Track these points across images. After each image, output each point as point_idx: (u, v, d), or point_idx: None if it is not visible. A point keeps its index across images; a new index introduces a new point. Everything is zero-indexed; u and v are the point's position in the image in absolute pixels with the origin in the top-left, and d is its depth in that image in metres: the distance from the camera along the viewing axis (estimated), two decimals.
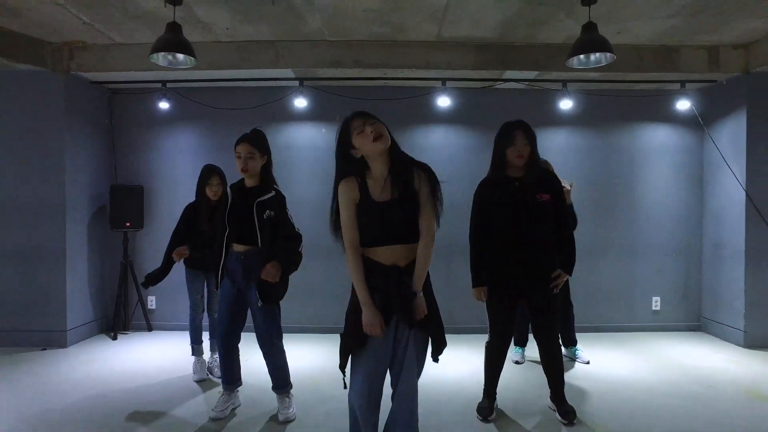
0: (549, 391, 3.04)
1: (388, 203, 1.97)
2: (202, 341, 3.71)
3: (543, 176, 2.88)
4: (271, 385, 3.02)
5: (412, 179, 2.00)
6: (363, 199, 2.00)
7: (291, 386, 3.04)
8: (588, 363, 4.03)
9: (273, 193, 2.91)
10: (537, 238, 2.81)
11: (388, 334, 1.98)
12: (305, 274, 4.70)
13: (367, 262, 2.00)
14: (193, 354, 3.70)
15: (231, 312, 2.94)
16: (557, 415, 2.99)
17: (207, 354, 3.82)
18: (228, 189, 3.01)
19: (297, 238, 2.92)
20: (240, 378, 3.12)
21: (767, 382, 3.65)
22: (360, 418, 2.01)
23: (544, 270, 2.83)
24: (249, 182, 2.94)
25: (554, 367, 2.95)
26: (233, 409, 3.09)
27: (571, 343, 4.11)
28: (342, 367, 2.07)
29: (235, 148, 2.87)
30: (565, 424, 2.91)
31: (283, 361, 2.99)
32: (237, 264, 2.88)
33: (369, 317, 1.94)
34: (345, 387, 2.06)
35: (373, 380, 1.99)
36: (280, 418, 2.94)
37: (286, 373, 3.02)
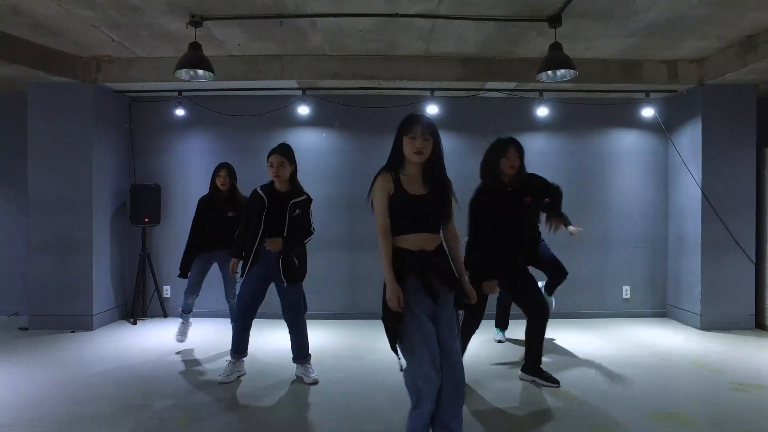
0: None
1: (421, 197, 2.26)
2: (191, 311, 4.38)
3: (526, 182, 3.48)
4: (291, 356, 3.60)
5: (442, 182, 2.32)
6: (397, 191, 2.24)
7: (310, 356, 3.61)
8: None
9: (305, 196, 3.52)
10: (527, 232, 3.49)
11: (431, 313, 2.20)
12: (311, 264, 5.24)
13: (397, 251, 2.24)
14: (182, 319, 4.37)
15: (256, 292, 3.50)
16: (542, 381, 3.45)
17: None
18: (260, 192, 3.51)
19: (309, 232, 3.56)
20: (247, 349, 3.65)
21: (711, 355, 4.18)
22: (428, 398, 2.11)
23: (531, 257, 3.55)
24: (280, 186, 3.50)
25: (538, 339, 3.47)
26: (239, 376, 3.60)
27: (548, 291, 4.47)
28: (393, 348, 2.19)
29: (267, 159, 3.46)
30: (557, 387, 3.39)
31: (306, 334, 3.57)
32: (271, 255, 3.43)
33: (391, 291, 2.15)
34: (401, 369, 2.18)
35: (434, 363, 2.12)
36: (307, 380, 3.50)
37: (307, 345, 3.59)
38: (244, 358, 3.68)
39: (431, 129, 2.25)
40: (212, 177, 4.34)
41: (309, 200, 3.55)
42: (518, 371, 3.66)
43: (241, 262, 3.59)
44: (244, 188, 5.60)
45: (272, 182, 3.53)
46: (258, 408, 3.11)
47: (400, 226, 2.25)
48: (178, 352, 4.26)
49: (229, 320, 4.34)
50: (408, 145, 2.23)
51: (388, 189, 2.26)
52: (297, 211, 3.45)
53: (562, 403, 3.16)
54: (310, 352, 3.63)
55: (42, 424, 2.84)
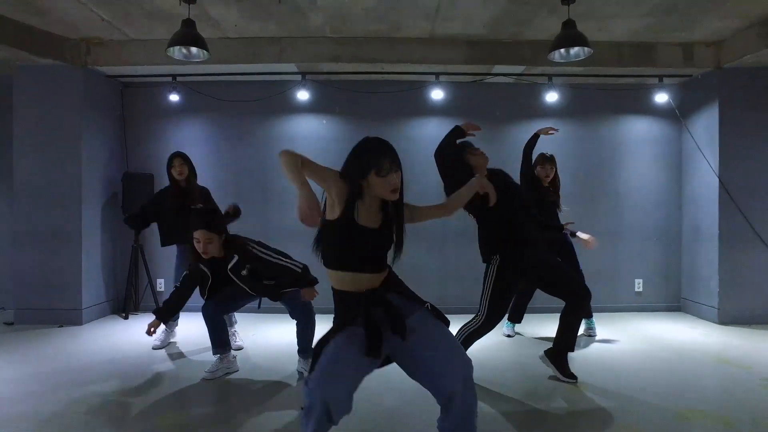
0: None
1: (374, 231, 1.86)
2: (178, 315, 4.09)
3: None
4: (297, 348, 3.38)
5: (399, 213, 1.93)
6: (345, 218, 1.82)
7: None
8: (594, 336, 4.33)
9: (235, 257, 3.15)
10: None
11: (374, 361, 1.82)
12: (308, 256, 5.02)
13: (336, 294, 1.92)
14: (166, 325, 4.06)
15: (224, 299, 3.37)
16: (560, 375, 3.23)
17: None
18: (201, 267, 3.24)
19: (294, 272, 3.18)
20: (229, 344, 3.45)
21: (733, 350, 3.96)
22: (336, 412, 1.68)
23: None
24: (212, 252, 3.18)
25: (577, 320, 3.19)
26: (228, 373, 3.37)
27: (587, 314, 4.31)
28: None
29: (193, 231, 3.13)
30: (574, 383, 3.19)
31: (314, 327, 3.32)
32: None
33: (305, 198, 1.72)
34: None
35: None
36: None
37: (313, 338, 3.35)
38: (233, 353, 3.49)
39: (397, 156, 1.88)
40: (168, 167, 4.05)
41: (242, 255, 3.15)
42: (533, 366, 3.43)
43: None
44: (243, 178, 5.43)
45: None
46: (250, 404, 2.89)
47: (343, 262, 1.87)
48: (169, 344, 4.05)
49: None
50: (380, 185, 1.83)
51: (339, 186, 1.84)
52: (243, 271, 3.17)
53: (582, 402, 2.94)
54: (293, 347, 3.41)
55: (19, 423, 2.62)
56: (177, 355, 3.85)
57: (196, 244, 3.14)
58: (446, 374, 1.79)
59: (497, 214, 3.07)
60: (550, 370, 3.35)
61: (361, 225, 1.85)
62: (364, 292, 1.86)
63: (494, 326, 3.12)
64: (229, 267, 3.19)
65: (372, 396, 2.97)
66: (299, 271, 3.19)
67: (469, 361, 1.85)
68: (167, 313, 3.39)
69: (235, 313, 4.03)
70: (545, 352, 3.35)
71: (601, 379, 3.28)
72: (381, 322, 1.82)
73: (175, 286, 3.46)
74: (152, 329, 3.20)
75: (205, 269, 3.26)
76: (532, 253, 3.11)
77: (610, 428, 2.57)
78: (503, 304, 3.11)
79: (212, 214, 3.25)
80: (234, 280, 3.22)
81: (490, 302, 3.06)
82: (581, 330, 4.10)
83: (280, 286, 3.24)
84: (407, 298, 1.96)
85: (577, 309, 3.15)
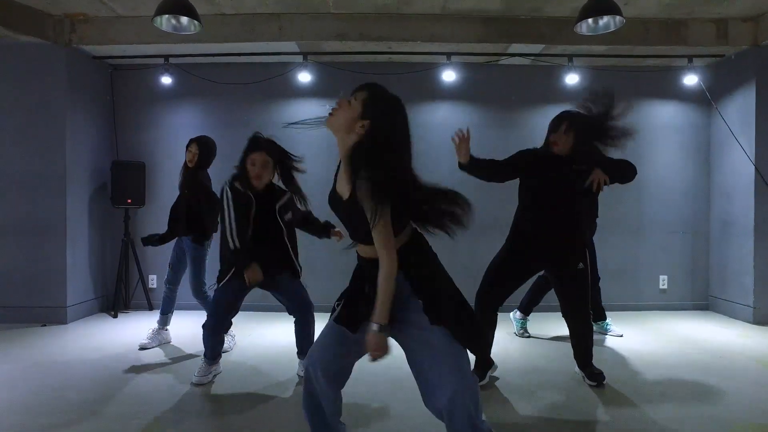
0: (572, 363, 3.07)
1: (344, 200, 1.71)
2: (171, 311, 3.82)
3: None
4: (296, 351, 3.14)
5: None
6: (332, 187, 1.78)
7: None
8: (621, 336, 4.02)
9: (287, 194, 3.04)
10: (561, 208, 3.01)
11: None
12: (310, 252, 4.68)
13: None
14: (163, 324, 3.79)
15: (235, 299, 3.01)
16: (586, 379, 2.97)
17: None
18: (241, 188, 2.94)
19: (309, 212, 3.25)
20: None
21: None
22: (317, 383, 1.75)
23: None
24: (258, 185, 2.96)
25: (584, 342, 2.96)
26: (215, 375, 3.08)
27: (600, 317, 4.05)
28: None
29: (247, 155, 2.93)
30: (594, 386, 2.90)
31: (313, 328, 3.02)
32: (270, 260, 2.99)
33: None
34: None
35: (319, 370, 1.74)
36: None
37: (314, 340, 3.02)
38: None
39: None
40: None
41: (292, 197, 3.07)
42: (554, 369, 3.16)
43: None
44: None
45: (239, 177, 2.94)
46: (245, 410, 2.55)
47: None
48: (160, 345, 3.72)
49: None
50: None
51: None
52: (288, 214, 3.03)
53: (618, 410, 2.59)
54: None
55: None
56: (165, 356, 3.51)
57: (250, 168, 2.89)
58: (439, 387, 1.64)
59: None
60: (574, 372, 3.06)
61: (337, 194, 1.74)
62: (359, 261, 1.83)
63: (479, 296, 2.90)
64: (280, 203, 2.99)
65: (379, 398, 2.63)
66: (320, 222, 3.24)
67: (464, 381, 1.62)
68: (245, 247, 2.89)
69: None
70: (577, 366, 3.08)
71: (634, 385, 2.93)
72: (362, 296, 1.74)
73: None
74: (251, 278, 2.88)
75: (250, 195, 2.94)
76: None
77: None
78: (494, 275, 2.91)
79: (270, 140, 3.02)
80: (279, 225, 2.98)
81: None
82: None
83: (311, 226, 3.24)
84: (425, 306, 1.68)
85: (568, 322, 2.99)
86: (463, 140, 2.77)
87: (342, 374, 1.80)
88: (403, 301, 1.68)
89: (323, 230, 3.24)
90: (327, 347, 1.78)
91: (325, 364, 1.75)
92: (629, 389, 2.88)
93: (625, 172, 3.00)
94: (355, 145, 1.68)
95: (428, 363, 1.67)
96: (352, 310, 1.75)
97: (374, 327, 1.61)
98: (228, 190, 2.94)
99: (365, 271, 1.78)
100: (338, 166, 1.76)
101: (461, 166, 2.84)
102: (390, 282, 1.63)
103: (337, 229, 3.19)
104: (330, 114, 1.72)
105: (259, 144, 2.95)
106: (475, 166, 2.82)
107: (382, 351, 1.63)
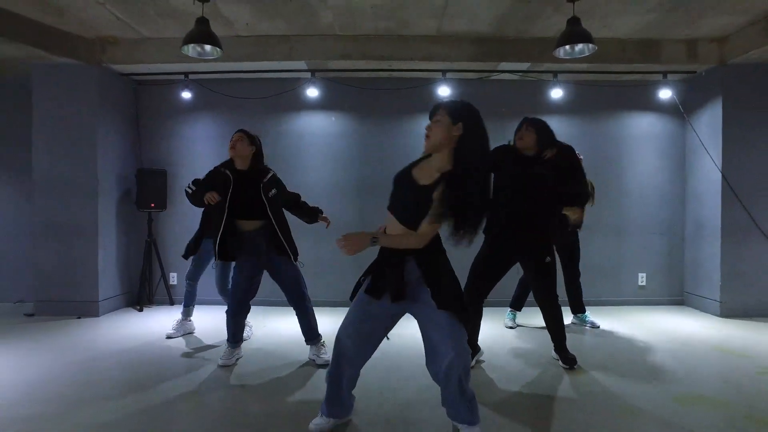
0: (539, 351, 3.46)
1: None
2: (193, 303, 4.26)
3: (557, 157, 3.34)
4: (304, 339, 3.55)
5: None
6: None
7: (321, 337, 3.53)
8: (599, 327, 4.46)
9: (271, 172, 3.46)
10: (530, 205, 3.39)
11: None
12: (317, 250, 5.14)
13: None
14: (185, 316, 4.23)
15: (251, 279, 3.40)
16: (560, 362, 3.41)
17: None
18: (222, 169, 3.42)
19: (298, 195, 3.71)
20: (242, 339, 3.61)
21: (734, 341, 4.05)
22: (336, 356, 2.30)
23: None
24: (241, 165, 3.41)
25: (555, 324, 3.41)
26: (237, 359, 3.53)
27: (580, 310, 4.51)
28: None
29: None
30: (566, 369, 3.34)
31: (313, 313, 3.50)
32: (258, 239, 3.36)
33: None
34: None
35: (347, 331, 2.26)
36: (319, 362, 3.43)
37: (316, 325, 3.52)
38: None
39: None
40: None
41: (276, 176, 3.52)
42: (534, 354, 3.57)
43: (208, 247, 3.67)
44: None
45: (231, 161, 3.45)
46: (263, 387, 3.01)
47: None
48: (184, 335, 4.19)
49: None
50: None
51: None
52: (273, 191, 3.41)
53: (587, 387, 3.04)
54: (323, 340, 3.55)
55: (47, 402, 2.76)
56: (191, 344, 3.97)
57: (230, 148, 3.38)
58: (441, 355, 2.15)
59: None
60: (552, 358, 3.52)
61: (412, 177, 2.19)
62: (381, 252, 2.28)
63: (467, 289, 3.26)
64: (264, 180, 3.38)
65: (388, 389, 3.08)
66: (309, 206, 3.65)
67: (460, 354, 2.11)
68: (197, 197, 3.39)
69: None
70: (554, 350, 3.51)
71: (605, 367, 3.39)
72: (387, 278, 2.20)
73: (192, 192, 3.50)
74: (209, 198, 3.29)
75: (228, 173, 3.37)
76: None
77: (612, 410, 2.67)
78: (478, 269, 3.33)
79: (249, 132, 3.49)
80: (262, 200, 3.33)
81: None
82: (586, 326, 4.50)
83: (300, 210, 3.65)
84: (432, 293, 2.16)
85: (540, 307, 3.43)
86: None
87: (369, 341, 2.28)
88: (414, 283, 2.19)
89: (312, 214, 3.67)
90: (355, 315, 2.25)
91: (352, 329, 2.24)
92: (599, 371, 3.32)
93: (578, 197, 3.47)
94: (458, 141, 2.09)
95: (435, 336, 2.17)
96: (378, 283, 2.21)
97: (370, 236, 2.11)
98: (211, 171, 3.47)
99: (386, 257, 2.23)
100: (423, 157, 2.19)
101: None
102: (403, 244, 2.16)
103: (324, 215, 3.64)
104: (427, 137, 2.13)
105: (239, 130, 3.48)
106: None
107: (354, 245, 2.08)
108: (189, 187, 3.55)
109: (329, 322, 4.66)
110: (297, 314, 3.51)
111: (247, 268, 3.38)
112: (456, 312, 2.15)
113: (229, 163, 3.46)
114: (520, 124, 3.40)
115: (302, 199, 3.74)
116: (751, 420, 2.57)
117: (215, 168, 3.49)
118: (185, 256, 4.13)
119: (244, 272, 3.38)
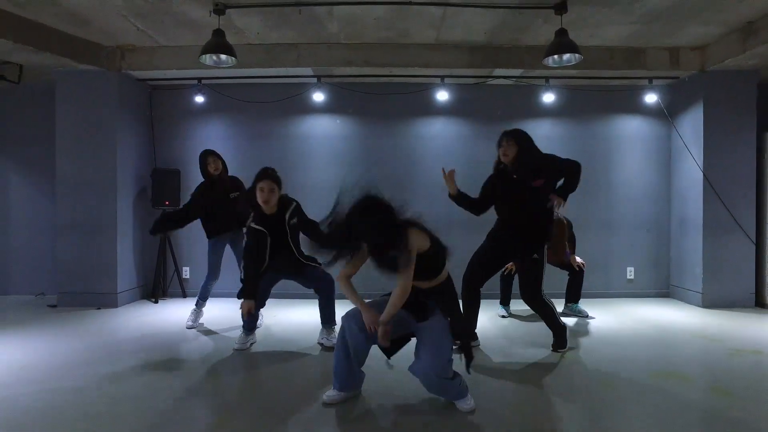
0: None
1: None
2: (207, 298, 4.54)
3: (538, 167, 3.55)
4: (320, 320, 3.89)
5: None
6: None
7: (336, 323, 3.82)
8: (587, 316, 4.76)
9: (294, 203, 3.69)
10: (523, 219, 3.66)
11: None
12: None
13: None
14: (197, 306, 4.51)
15: (268, 284, 3.76)
16: (553, 346, 3.68)
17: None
18: (256, 227, 3.54)
19: (316, 224, 3.72)
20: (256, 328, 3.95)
21: (711, 328, 4.36)
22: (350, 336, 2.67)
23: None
24: (269, 210, 3.59)
25: (548, 321, 3.66)
26: (252, 343, 3.83)
27: (573, 299, 4.84)
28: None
29: (256, 183, 3.56)
30: (556, 352, 3.63)
31: (334, 300, 3.83)
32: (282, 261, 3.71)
33: (365, 315, 2.64)
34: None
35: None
36: (327, 344, 3.74)
37: (335, 311, 3.83)
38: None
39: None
40: (201, 165, 4.38)
41: (298, 204, 3.73)
42: (523, 337, 3.86)
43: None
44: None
45: (258, 208, 3.58)
46: (276, 368, 3.32)
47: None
48: (202, 324, 4.50)
49: None
50: None
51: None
52: (294, 219, 3.65)
53: (573, 364, 3.35)
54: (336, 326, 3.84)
55: (80, 377, 3.07)
56: (207, 332, 4.28)
57: (259, 194, 3.50)
58: (422, 361, 2.54)
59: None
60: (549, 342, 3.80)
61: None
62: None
63: (466, 277, 3.63)
64: (288, 212, 3.61)
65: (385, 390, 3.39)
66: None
67: (436, 364, 2.50)
68: (253, 287, 3.53)
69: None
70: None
71: (590, 348, 3.70)
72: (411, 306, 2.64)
73: (242, 268, 3.65)
74: (247, 312, 3.51)
75: (261, 228, 3.56)
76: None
77: (593, 382, 2.98)
78: (477, 261, 3.63)
79: (275, 171, 3.61)
80: (286, 231, 3.58)
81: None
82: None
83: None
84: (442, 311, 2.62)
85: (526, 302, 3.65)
86: (446, 177, 3.58)
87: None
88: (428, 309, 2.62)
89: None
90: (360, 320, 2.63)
91: (359, 317, 2.62)
92: (587, 353, 3.64)
93: (571, 183, 3.61)
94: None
95: (424, 344, 2.56)
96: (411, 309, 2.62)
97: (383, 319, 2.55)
98: (246, 231, 3.61)
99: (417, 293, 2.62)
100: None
101: (451, 197, 3.64)
102: (399, 303, 2.57)
103: None
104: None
105: (267, 173, 3.58)
106: (461, 200, 3.65)
107: (386, 336, 2.56)
108: (240, 278, 3.70)
109: (339, 314, 5.02)
110: (321, 301, 3.82)
111: (269, 277, 3.73)
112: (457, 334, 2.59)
113: (257, 208, 3.57)
114: (499, 139, 3.57)
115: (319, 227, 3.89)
116: (715, 391, 2.89)
117: (249, 227, 3.56)
118: (152, 232, 4.48)
119: (267, 279, 3.72)
